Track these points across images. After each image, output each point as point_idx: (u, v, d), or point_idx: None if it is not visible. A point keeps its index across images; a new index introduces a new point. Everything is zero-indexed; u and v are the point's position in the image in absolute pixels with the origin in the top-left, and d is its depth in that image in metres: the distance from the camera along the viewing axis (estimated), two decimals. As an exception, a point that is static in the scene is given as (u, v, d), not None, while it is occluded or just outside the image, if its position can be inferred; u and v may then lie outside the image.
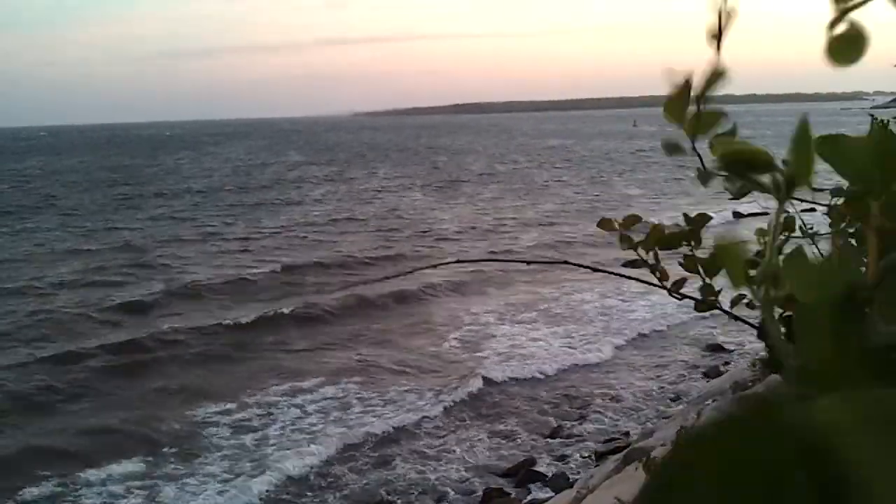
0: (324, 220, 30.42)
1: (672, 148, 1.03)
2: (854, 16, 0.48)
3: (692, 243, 1.35)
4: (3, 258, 23.00)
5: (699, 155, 1.06)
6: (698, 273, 1.32)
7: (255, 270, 20.80)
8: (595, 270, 1.68)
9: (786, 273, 0.39)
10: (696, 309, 1.35)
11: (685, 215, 1.38)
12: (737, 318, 1.24)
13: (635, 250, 1.39)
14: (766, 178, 0.38)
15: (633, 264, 1.41)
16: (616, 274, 1.57)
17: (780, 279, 0.39)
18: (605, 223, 1.46)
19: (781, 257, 0.41)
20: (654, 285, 1.41)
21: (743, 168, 0.36)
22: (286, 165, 62.97)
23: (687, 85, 0.88)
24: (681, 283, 1.39)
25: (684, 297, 1.35)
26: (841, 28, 0.47)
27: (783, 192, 0.38)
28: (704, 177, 1.16)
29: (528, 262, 1.83)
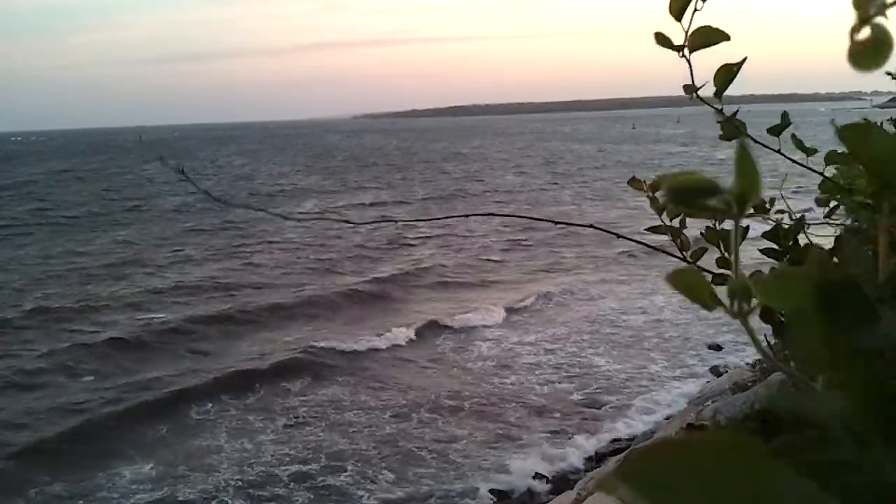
0: (303, 249, 25.20)
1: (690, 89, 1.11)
2: (879, 20, 0.46)
3: (717, 215, 1.35)
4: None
5: (690, 65, 1.12)
6: (719, 247, 1.33)
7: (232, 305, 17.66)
8: (619, 237, 1.75)
9: (757, 291, 0.40)
10: (713, 283, 1.36)
11: None
12: None
13: (659, 215, 1.40)
14: (716, 202, 0.39)
15: (656, 230, 1.43)
16: (639, 242, 1.61)
17: (750, 292, 0.40)
18: (635, 182, 1.48)
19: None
20: (674, 256, 1.42)
21: (691, 197, 0.38)
22: (277, 174, 58.65)
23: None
24: (700, 252, 1.41)
25: (701, 270, 1.36)
26: (864, 33, 0.46)
27: (737, 210, 0.39)
28: (691, 89, 1.22)
29: (556, 223, 2.10)
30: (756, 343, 0.43)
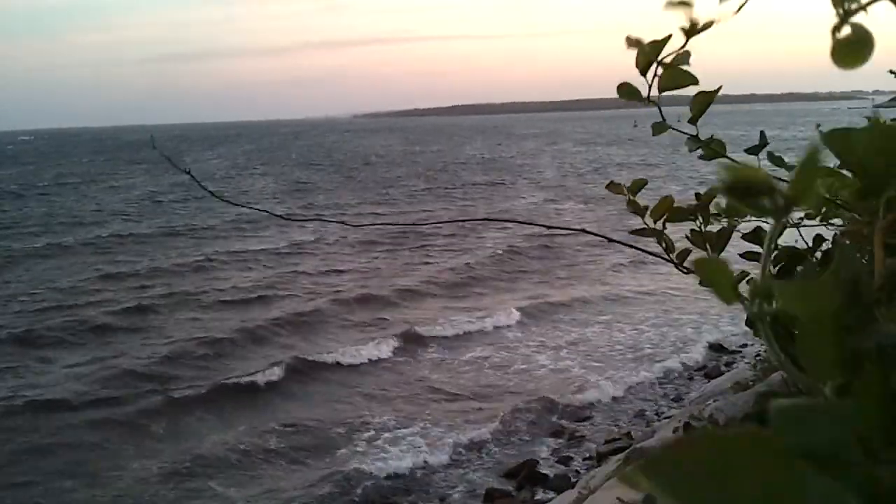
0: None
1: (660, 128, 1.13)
2: (857, 19, 0.48)
3: (700, 218, 1.35)
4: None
5: (659, 108, 1.14)
6: (705, 248, 1.33)
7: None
8: (610, 241, 1.77)
9: (779, 295, 0.39)
10: (701, 284, 1.36)
11: (696, 194, 1.39)
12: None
13: (642, 217, 1.40)
14: (765, 200, 0.38)
15: (640, 233, 1.43)
16: (628, 245, 1.63)
17: (772, 295, 0.40)
18: (613, 186, 1.48)
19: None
20: (662, 258, 1.43)
21: (743, 192, 0.37)
22: (257, 187, 47.85)
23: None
24: (684, 254, 1.41)
25: (689, 271, 1.35)
26: (845, 32, 0.47)
27: (780, 213, 0.38)
28: (658, 128, 1.23)
29: (549, 227, 2.37)
30: (772, 348, 0.42)
